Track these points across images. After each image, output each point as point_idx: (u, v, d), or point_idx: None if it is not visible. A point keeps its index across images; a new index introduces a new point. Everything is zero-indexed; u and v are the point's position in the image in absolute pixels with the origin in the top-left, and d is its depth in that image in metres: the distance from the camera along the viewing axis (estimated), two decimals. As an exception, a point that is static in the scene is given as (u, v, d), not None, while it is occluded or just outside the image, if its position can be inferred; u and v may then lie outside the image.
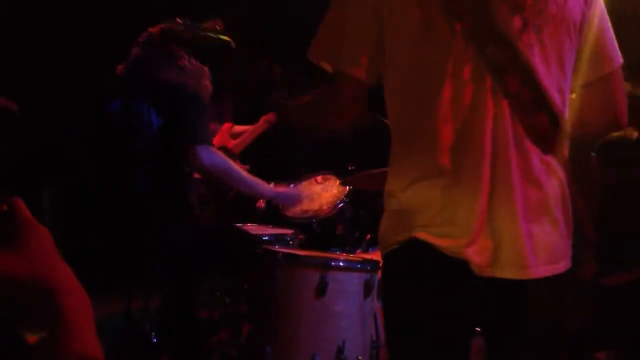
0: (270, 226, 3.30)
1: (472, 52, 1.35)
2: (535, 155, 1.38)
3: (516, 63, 1.35)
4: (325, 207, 3.34)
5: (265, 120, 4.39)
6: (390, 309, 1.53)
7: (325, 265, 2.48)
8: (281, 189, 3.01)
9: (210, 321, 3.19)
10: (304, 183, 3.47)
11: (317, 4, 1.70)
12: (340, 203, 3.32)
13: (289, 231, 3.15)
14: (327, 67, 1.51)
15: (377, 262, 2.61)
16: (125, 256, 2.75)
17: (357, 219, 3.40)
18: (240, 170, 2.84)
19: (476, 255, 1.36)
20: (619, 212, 3.48)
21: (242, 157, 4.24)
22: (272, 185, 3.03)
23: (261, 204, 3.66)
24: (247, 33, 4.39)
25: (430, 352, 1.42)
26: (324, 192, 3.44)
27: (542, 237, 1.39)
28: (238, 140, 4.27)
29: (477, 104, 1.36)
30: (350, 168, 3.54)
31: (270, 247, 2.73)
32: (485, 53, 1.34)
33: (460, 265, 1.37)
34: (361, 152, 3.99)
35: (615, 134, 3.40)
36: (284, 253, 2.61)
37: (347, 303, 2.48)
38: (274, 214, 3.47)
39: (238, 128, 4.33)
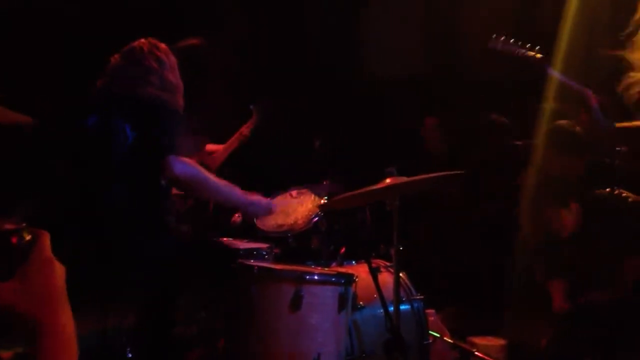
0: (246, 240, 3.32)
1: None
2: None
3: None
4: (300, 221, 3.36)
5: (241, 133, 4.45)
6: None
7: (300, 279, 2.51)
8: (254, 197, 2.99)
9: (186, 336, 3.19)
10: (279, 197, 3.49)
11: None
12: (315, 217, 3.35)
13: (264, 245, 3.16)
14: None
15: (352, 275, 2.65)
16: (100, 271, 2.75)
17: (332, 233, 3.43)
18: (212, 178, 2.82)
19: None
20: (594, 233, 3.57)
21: (219, 174, 4.26)
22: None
23: (236, 218, 3.68)
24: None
25: None
26: (299, 206, 3.47)
27: None
28: (214, 156, 4.30)
29: None
30: (325, 182, 3.57)
31: (246, 261, 2.75)
32: None
33: None
34: (337, 167, 4.04)
35: None
36: (259, 267, 2.63)
37: (322, 316, 2.50)
38: (249, 228, 3.49)
39: (210, 147, 4.36)
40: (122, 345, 2.90)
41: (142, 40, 2.88)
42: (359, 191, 2.67)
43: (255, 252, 3.09)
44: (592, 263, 3.51)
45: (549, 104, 4.05)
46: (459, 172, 2.79)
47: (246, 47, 5.66)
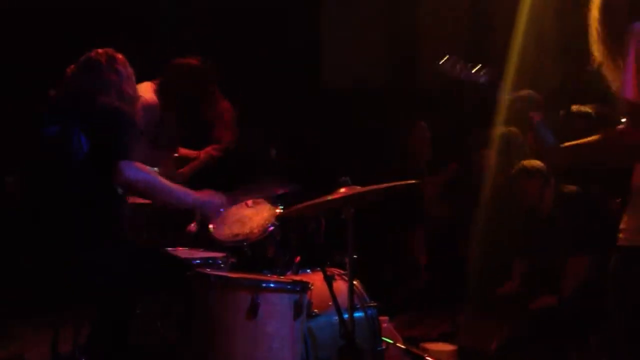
0: (202, 250, 3.33)
1: None
2: None
3: None
4: (256, 231, 3.39)
5: (209, 154, 4.39)
6: None
7: (256, 287, 2.54)
8: (206, 196, 2.98)
9: (142, 347, 3.17)
10: (235, 206, 3.51)
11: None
12: (270, 226, 3.38)
13: (220, 254, 3.18)
14: None
15: (307, 283, 2.69)
16: (53, 281, 2.72)
17: (288, 242, 3.47)
18: (164, 181, 2.79)
19: None
20: (544, 238, 3.70)
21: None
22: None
23: (192, 227, 3.68)
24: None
25: None
26: (254, 216, 3.49)
27: None
28: (185, 169, 4.27)
29: None
30: (279, 193, 3.61)
31: (202, 270, 2.77)
32: None
33: None
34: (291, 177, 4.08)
35: None
36: (215, 275, 2.66)
37: (278, 324, 2.54)
38: (205, 237, 3.50)
39: (183, 152, 4.34)
40: (76, 356, 2.88)
41: (99, 51, 2.88)
42: (314, 201, 2.72)
43: (211, 261, 3.11)
44: (548, 256, 3.64)
45: (499, 128, 4.21)
46: (413, 181, 2.86)
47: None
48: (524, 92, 2.40)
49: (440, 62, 2.38)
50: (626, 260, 2.00)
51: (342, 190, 2.72)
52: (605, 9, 2.08)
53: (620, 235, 2.03)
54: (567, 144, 2.18)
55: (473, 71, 2.37)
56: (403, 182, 2.84)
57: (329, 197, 2.70)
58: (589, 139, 2.09)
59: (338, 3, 5.87)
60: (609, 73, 2.06)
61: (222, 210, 3.09)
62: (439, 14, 5.51)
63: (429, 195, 5.42)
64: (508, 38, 4.53)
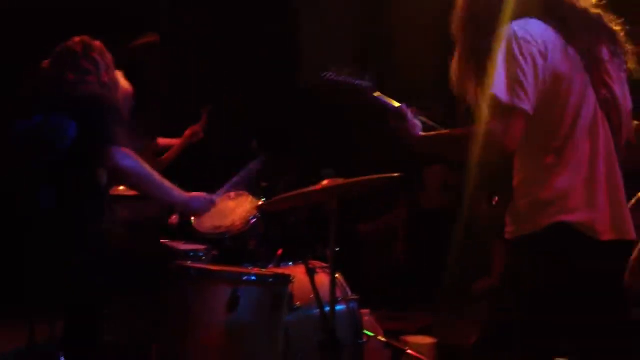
0: (183, 242, 3.31)
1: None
2: None
3: None
4: (237, 223, 3.37)
5: (192, 133, 4.37)
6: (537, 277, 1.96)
7: (237, 280, 2.53)
8: (194, 194, 2.95)
9: (119, 342, 3.15)
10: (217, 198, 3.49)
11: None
12: (252, 219, 3.36)
13: (201, 247, 3.16)
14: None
15: (288, 276, 2.68)
16: (30, 276, 2.69)
17: (269, 235, 3.45)
18: (153, 172, 2.75)
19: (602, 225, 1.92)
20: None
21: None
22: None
23: (173, 220, 3.66)
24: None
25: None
26: (236, 208, 3.48)
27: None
28: (165, 157, 4.24)
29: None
30: (262, 184, 3.59)
31: (182, 263, 2.75)
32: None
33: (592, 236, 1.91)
34: (272, 169, 4.07)
35: None
36: (195, 268, 2.64)
37: (259, 317, 2.53)
38: (186, 230, 3.47)
39: (162, 141, 4.30)
40: (53, 352, 2.85)
41: (75, 39, 2.84)
42: (296, 192, 2.70)
43: (192, 254, 3.09)
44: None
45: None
46: (396, 174, 2.84)
47: (187, 49, 5.64)
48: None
49: (323, 74, 2.42)
50: (515, 252, 2.05)
51: (325, 182, 2.70)
52: (465, 19, 2.11)
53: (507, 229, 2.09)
54: (429, 133, 2.23)
55: (357, 78, 2.42)
56: (386, 175, 2.82)
57: (311, 189, 2.69)
58: (450, 131, 2.15)
59: (313, 5, 5.89)
60: (468, 85, 2.10)
61: (206, 211, 3.05)
62: (413, 17, 5.52)
63: (429, 185, 5.40)
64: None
